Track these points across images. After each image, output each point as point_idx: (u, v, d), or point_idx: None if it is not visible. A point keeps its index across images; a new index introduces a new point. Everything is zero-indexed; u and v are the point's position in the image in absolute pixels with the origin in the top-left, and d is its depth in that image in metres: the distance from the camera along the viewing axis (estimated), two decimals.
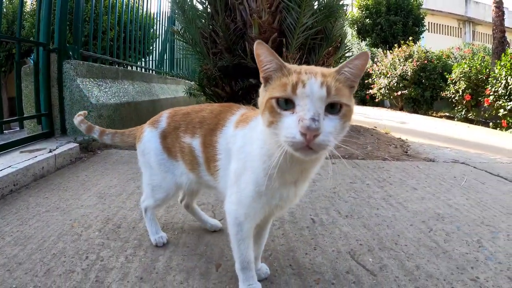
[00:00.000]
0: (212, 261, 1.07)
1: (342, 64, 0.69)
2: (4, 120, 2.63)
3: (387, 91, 7.39)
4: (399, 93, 7.05)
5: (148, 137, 1.07)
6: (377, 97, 7.94)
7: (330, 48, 3.25)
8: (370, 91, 8.08)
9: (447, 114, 7.07)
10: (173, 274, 1.00)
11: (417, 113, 6.88)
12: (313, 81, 0.63)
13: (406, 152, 2.88)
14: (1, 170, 1.69)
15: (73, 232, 1.24)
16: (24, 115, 2.55)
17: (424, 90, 6.73)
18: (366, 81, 8.14)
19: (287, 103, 0.65)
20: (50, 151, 2.09)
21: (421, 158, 2.64)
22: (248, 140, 0.82)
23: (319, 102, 0.63)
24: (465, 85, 5.83)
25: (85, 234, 1.22)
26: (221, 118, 0.94)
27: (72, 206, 1.49)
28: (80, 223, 1.32)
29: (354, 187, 1.84)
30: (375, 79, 7.86)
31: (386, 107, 8.75)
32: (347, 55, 3.56)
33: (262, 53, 0.69)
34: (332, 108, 0.65)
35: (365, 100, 9.18)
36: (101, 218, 1.37)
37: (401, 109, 7.51)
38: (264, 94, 0.71)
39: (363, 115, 5.71)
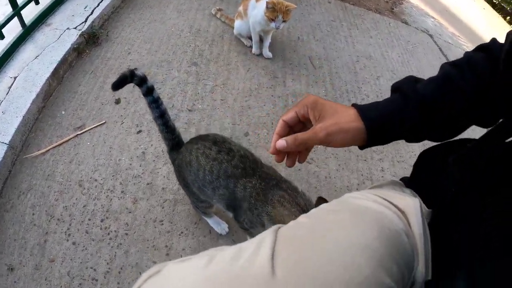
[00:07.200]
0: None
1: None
2: None
3: None
4: None
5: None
6: None
7: None
8: None
9: None
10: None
11: None
12: (280, 17, 1.84)
13: (392, 9, 3.12)
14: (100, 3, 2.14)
15: (175, 34, 2.19)
16: None
17: None
18: None
19: None
20: None
21: (399, 19, 3.02)
22: (257, 6, 1.98)
23: None
24: None
25: (183, 34, 2.20)
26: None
27: (164, 18, 2.34)
28: (176, 28, 2.25)
29: (332, 24, 2.71)
30: None
31: None
32: None
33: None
34: None
35: None
36: (186, 25, 2.28)
37: None
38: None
39: None
